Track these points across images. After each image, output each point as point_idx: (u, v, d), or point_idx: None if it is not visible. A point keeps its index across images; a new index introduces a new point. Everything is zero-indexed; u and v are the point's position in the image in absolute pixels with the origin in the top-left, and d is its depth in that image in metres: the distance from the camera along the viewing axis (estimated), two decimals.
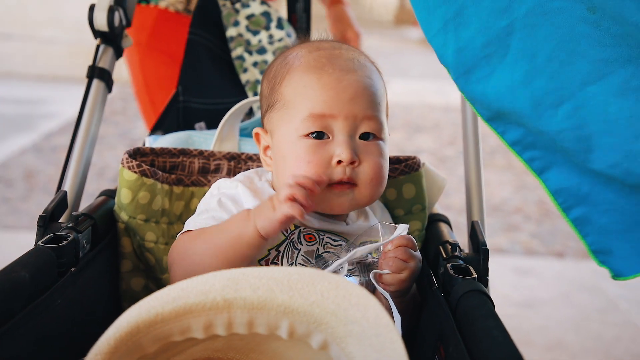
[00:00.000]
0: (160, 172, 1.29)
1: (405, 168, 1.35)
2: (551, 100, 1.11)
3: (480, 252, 1.15)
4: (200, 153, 1.35)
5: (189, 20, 1.66)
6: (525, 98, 1.11)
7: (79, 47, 6.93)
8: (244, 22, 1.65)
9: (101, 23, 1.42)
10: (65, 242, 1.07)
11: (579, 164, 1.16)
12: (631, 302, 3.10)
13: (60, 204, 1.21)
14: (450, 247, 1.18)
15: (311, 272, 0.83)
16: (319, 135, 1.13)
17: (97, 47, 1.47)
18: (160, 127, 1.60)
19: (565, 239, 3.79)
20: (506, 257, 3.50)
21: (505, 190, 4.48)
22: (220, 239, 1.08)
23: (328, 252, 1.14)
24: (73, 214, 1.20)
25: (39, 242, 1.06)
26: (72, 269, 1.07)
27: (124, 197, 1.25)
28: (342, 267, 1.07)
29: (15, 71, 7.09)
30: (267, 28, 1.64)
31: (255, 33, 1.65)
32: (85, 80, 1.43)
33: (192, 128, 1.60)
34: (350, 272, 1.11)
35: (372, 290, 1.08)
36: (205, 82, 1.64)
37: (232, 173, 1.34)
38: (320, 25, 1.74)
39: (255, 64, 1.65)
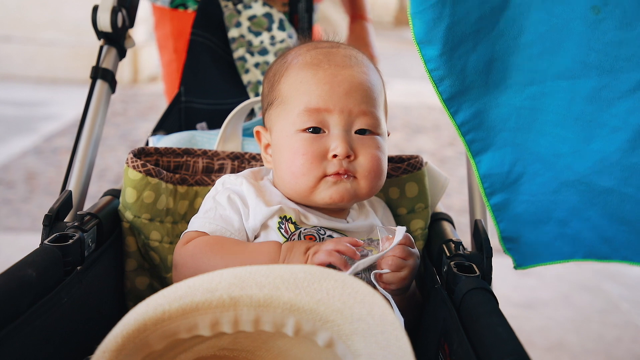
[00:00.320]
0: (164, 172, 1.29)
1: (408, 167, 1.36)
2: (522, 78, 1.13)
3: (483, 250, 1.15)
4: (204, 153, 1.36)
5: None
6: (499, 71, 1.13)
7: (79, 49, 6.94)
8: (245, 23, 1.65)
9: (105, 24, 1.43)
10: (70, 241, 1.07)
11: (519, 145, 1.18)
12: (632, 303, 3.10)
13: (65, 203, 1.21)
14: (453, 245, 1.19)
15: (317, 270, 0.83)
16: (315, 130, 1.15)
17: (101, 47, 1.47)
18: (162, 127, 1.61)
19: None
20: (507, 257, 3.50)
21: None
22: (242, 264, 1.09)
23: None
24: (78, 213, 1.20)
25: (45, 241, 1.07)
26: (78, 268, 1.07)
27: (128, 196, 1.25)
28: None
29: (15, 73, 7.09)
30: (269, 29, 1.65)
31: (257, 34, 1.65)
32: (86, 82, 1.43)
33: (193, 128, 1.60)
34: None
35: None
36: (207, 82, 1.65)
37: (235, 173, 1.35)
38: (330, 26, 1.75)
39: (256, 65, 1.66)
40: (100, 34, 1.46)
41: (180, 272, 1.15)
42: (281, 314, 0.82)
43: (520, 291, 3.14)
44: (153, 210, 1.27)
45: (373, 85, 1.19)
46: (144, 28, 7.53)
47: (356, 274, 1.11)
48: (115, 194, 1.33)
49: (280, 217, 1.16)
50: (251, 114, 1.64)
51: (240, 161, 1.37)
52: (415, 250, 1.14)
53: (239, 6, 1.66)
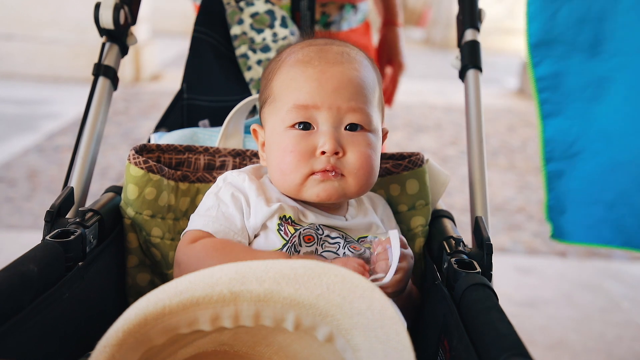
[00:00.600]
0: (166, 169, 1.29)
1: (409, 164, 1.36)
2: (612, 47, 1.11)
3: (484, 247, 1.15)
4: (206, 150, 1.37)
5: None
6: (590, 33, 1.11)
7: (80, 47, 6.94)
8: (248, 20, 1.65)
9: (107, 21, 1.44)
10: (72, 237, 1.07)
11: (588, 120, 1.18)
12: (633, 301, 3.10)
13: (67, 199, 1.22)
14: (454, 242, 1.19)
15: (317, 266, 0.83)
16: (305, 127, 1.16)
17: (103, 45, 1.48)
18: (164, 124, 1.61)
19: None
20: (508, 256, 3.50)
21: (507, 189, 4.49)
22: None
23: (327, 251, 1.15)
24: (80, 209, 1.20)
25: (47, 237, 1.07)
26: (80, 264, 1.08)
27: (130, 192, 1.26)
28: None
29: (17, 72, 7.11)
30: (271, 26, 1.65)
31: (260, 31, 1.65)
32: (88, 80, 1.44)
33: (195, 125, 1.60)
34: None
35: None
36: (209, 79, 1.65)
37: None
38: None
39: (259, 62, 1.66)
40: (102, 31, 1.46)
41: (182, 271, 1.14)
42: (281, 309, 0.82)
43: (521, 290, 3.15)
44: (154, 207, 1.27)
45: (364, 81, 1.18)
46: (146, 26, 7.54)
47: None
48: (117, 190, 1.33)
49: (280, 218, 1.16)
50: (253, 111, 1.64)
51: (242, 158, 1.37)
52: (409, 251, 1.14)
53: (241, 3, 1.66)
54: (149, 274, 1.32)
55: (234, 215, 1.17)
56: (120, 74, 1.49)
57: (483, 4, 1.56)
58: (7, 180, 4.14)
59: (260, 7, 1.65)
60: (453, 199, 4.02)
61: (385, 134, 1.30)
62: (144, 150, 1.31)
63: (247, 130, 1.49)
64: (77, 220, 1.14)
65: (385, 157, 1.38)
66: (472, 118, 1.42)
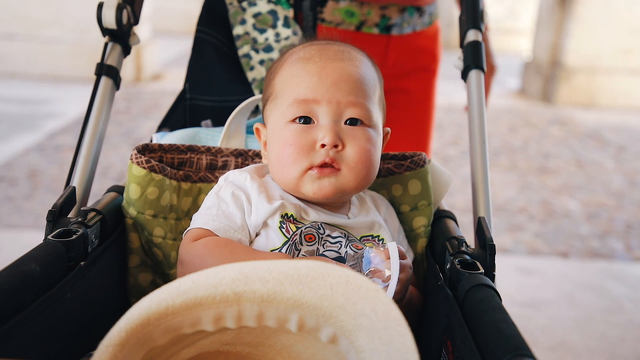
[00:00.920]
0: (168, 168, 1.29)
1: (411, 164, 1.36)
2: None
3: (486, 247, 1.15)
4: (208, 150, 1.36)
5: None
6: None
7: (81, 47, 6.95)
8: (250, 21, 1.65)
9: (110, 21, 1.43)
10: (74, 236, 1.07)
11: None
12: (636, 302, 3.10)
13: (69, 199, 1.21)
14: (456, 242, 1.18)
15: (321, 266, 0.83)
16: (306, 121, 1.17)
17: (105, 44, 1.48)
18: (167, 124, 1.61)
19: (569, 239, 3.79)
20: (510, 257, 3.50)
21: (509, 190, 4.48)
22: None
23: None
24: (82, 209, 1.20)
25: (49, 236, 1.07)
26: (82, 263, 1.08)
27: (132, 192, 1.25)
28: None
29: (18, 71, 7.11)
30: (274, 26, 1.65)
31: (262, 31, 1.65)
32: (89, 80, 1.44)
33: (198, 125, 1.60)
34: None
35: None
36: (212, 79, 1.65)
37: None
38: None
39: (261, 62, 1.66)
40: (105, 31, 1.46)
41: (186, 270, 1.14)
42: (285, 310, 0.82)
43: (523, 291, 3.14)
44: (157, 207, 1.27)
45: (364, 77, 1.20)
46: (147, 26, 7.54)
47: None
48: (119, 190, 1.33)
49: (282, 216, 1.16)
50: (255, 111, 1.64)
51: (244, 158, 1.37)
52: (407, 261, 1.13)
53: (244, 3, 1.66)
54: (150, 274, 1.32)
55: (234, 213, 1.18)
56: (121, 73, 1.49)
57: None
58: (7, 180, 4.14)
59: (262, 7, 1.65)
60: (454, 199, 4.02)
61: (386, 135, 1.30)
62: (146, 150, 1.31)
63: (249, 130, 1.49)
64: (79, 219, 1.14)
65: (387, 157, 1.38)
66: (474, 118, 1.42)
